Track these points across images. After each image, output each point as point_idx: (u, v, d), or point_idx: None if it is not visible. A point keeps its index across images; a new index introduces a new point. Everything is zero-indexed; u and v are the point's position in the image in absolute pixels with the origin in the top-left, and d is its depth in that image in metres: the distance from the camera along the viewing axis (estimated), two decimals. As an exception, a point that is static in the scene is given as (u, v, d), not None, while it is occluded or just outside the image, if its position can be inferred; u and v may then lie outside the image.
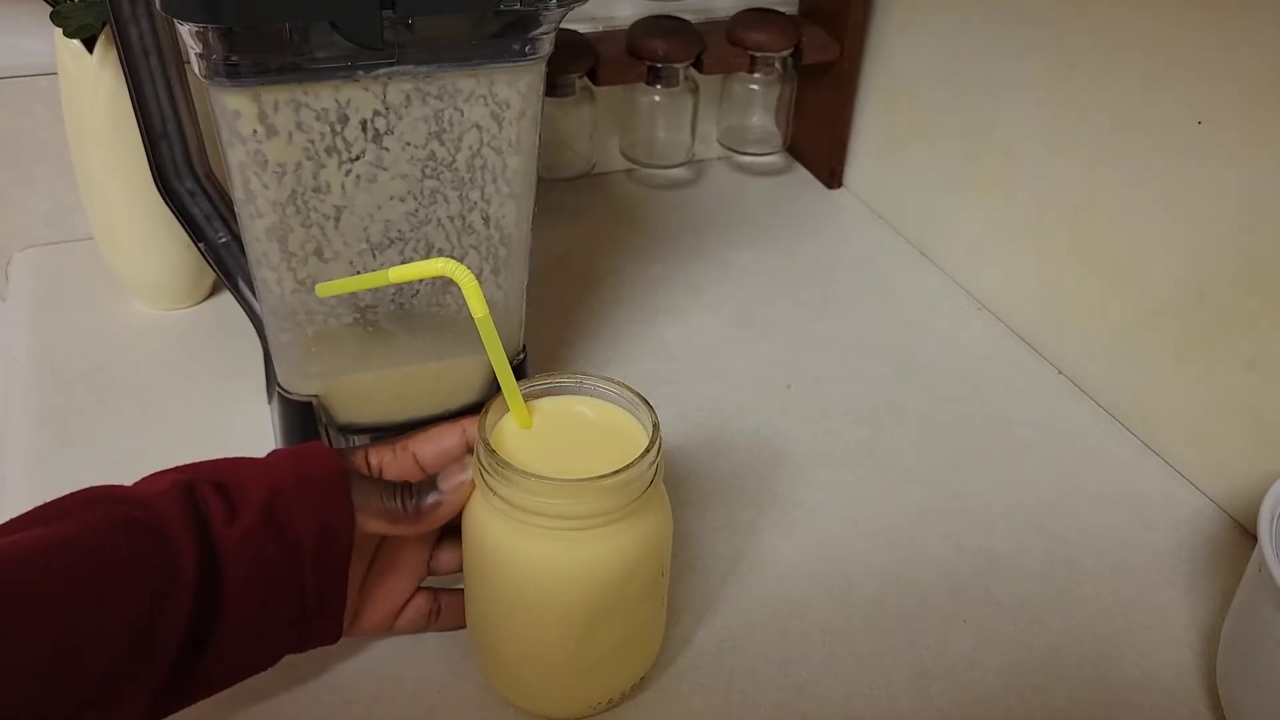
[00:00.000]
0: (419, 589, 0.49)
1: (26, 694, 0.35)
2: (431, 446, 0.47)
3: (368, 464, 0.46)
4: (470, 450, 0.47)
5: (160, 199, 0.56)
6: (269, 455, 0.44)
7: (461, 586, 0.49)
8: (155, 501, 0.39)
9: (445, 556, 0.49)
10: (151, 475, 0.42)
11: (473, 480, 0.44)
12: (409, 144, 0.46)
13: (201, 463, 0.43)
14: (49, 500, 0.40)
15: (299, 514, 0.41)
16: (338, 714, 0.47)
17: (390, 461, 0.46)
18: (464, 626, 0.49)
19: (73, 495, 0.40)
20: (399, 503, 0.44)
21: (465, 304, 0.42)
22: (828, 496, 0.60)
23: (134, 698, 0.38)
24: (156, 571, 0.38)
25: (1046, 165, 0.69)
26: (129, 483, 0.42)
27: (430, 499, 0.44)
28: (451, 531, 0.48)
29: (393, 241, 0.49)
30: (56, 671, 0.35)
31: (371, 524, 0.43)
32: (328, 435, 0.55)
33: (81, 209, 0.70)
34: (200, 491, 0.41)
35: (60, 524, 0.38)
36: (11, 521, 0.39)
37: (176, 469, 0.42)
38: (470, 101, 0.46)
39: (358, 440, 0.55)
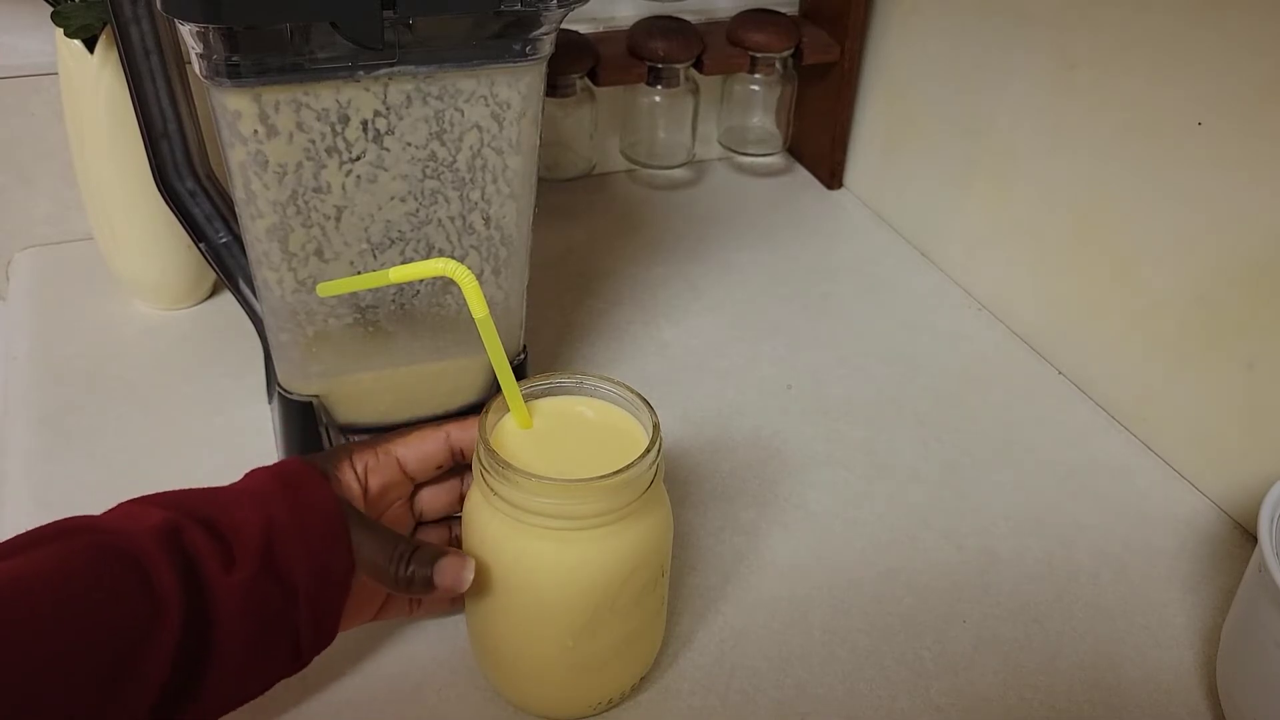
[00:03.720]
0: None
1: None
2: (414, 452, 0.46)
3: (353, 470, 0.45)
4: (454, 456, 0.47)
5: (160, 199, 0.56)
6: (253, 480, 0.42)
7: None
8: (137, 537, 0.38)
9: None
10: (130, 504, 0.41)
11: (468, 581, 0.43)
12: (409, 144, 0.46)
13: (183, 494, 0.41)
14: (19, 533, 0.39)
15: (298, 560, 0.40)
16: (338, 714, 0.47)
17: (375, 466, 0.45)
18: (446, 612, 0.50)
19: (47, 526, 0.39)
20: (393, 568, 0.42)
21: (466, 304, 0.42)
22: (828, 496, 0.60)
23: None
24: (137, 606, 0.37)
25: (1047, 166, 0.69)
26: (126, 484, 0.41)
27: (421, 580, 0.42)
28: (426, 526, 0.49)
29: (393, 242, 0.49)
30: (30, 709, 0.34)
31: (359, 572, 0.42)
32: (328, 435, 0.55)
33: (81, 209, 0.70)
34: (188, 536, 0.39)
35: (33, 553, 0.37)
36: None
37: (157, 500, 0.41)
38: (471, 102, 0.46)
39: (355, 440, 0.55)
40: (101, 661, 0.36)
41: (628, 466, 0.41)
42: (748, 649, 0.51)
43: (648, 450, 0.42)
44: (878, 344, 0.73)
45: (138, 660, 0.36)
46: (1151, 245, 0.62)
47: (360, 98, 0.44)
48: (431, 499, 0.49)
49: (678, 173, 0.92)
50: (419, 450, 0.46)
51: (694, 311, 0.75)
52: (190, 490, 0.42)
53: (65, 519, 0.40)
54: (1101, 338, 0.67)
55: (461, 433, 0.47)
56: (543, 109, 0.49)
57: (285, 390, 0.54)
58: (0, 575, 0.36)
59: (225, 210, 0.57)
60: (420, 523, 0.49)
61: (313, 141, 0.45)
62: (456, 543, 0.50)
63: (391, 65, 0.44)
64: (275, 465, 0.43)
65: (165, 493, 0.42)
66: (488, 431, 0.43)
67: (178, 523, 0.39)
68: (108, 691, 0.36)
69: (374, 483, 0.45)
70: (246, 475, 0.43)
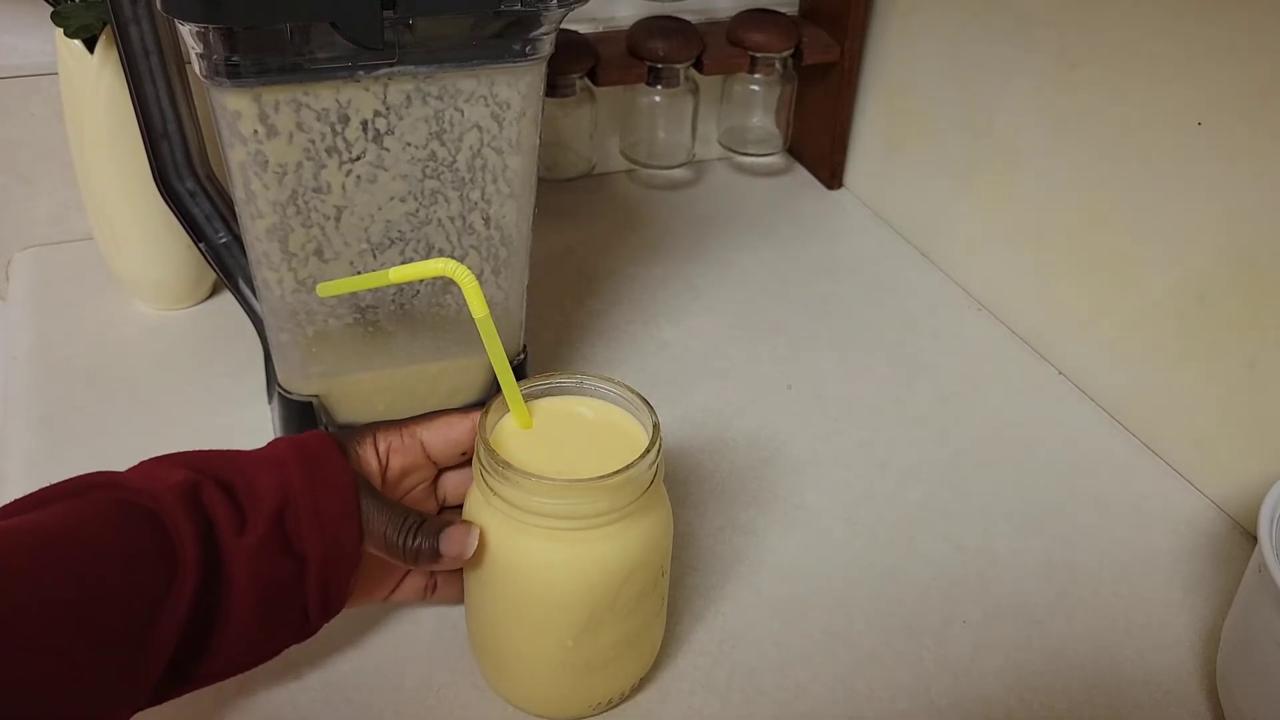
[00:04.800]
0: None
1: (23, 681, 0.34)
2: (440, 437, 0.47)
3: (375, 449, 0.45)
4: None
5: (160, 199, 0.56)
6: (274, 449, 0.43)
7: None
8: (159, 495, 0.39)
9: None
10: (152, 462, 0.42)
11: (472, 548, 0.43)
12: (409, 144, 0.46)
13: (205, 455, 0.42)
14: (44, 486, 0.40)
15: (309, 530, 0.41)
16: (337, 713, 0.47)
17: (398, 447, 0.46)
18: (456, 601, 0.50)
19: (69, 481, 0.40)
20: (400, 540, 0.43)
21: (465, 304, 0.42)
22: (828, 496, 0.60)
23: (130, 691, 0.38)
24: (156, 560, 0.38)
25: (1047, 165, 0.69)
26: None
27: (428, 550, 0.43)
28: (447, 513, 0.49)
29: (393, 242, 0.49)
30: (51, 659, 0.35)
31: (369, 546, 0.43)
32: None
33: (81, 209, 0.70)
34: (206, 494, 0.40)
35: (55, 507, 0.38)
36: (6, 506, 0.39)
37: (179, 459, 0.42)
38: (471, 102, 0.46)
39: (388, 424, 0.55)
40: (124, 615, 0.37)
41: (628, 466, 0.41)
42: (748, 649, 0.51)
43: (648, 450, 0.42)
44: (878, 344, 0.73)
45: (157, 615, 0.37)
46: (1152, 245, 0.62)
47: (360, 98, 0.44)
48: (456, 485, 0.49)
49: (678, 173, 0.92)
50: (444, 435, 0.47)
51: (694, 311, 0.75)
52: (211, 451, 0.43)
53: (87, 474, 0.40)
54: (1101, 338, 0.67)
55: None
56: (543, 109, 0.49)
57: (285, 390, 0.54)
58: (25, 528, 0.37)
59: (225, 210, 0.57)
60: (444, 508, 0.50)
61: (313, 141, 0.45)
62: None
63: (391, 65, 0.44)
64: (297, 436, 0.44)
65: (186, 452, 0.42)
66: (488, 431, 0.43)
67: (197, 481, 0.40)
68: (130, 643, 0.37)
69: (395, 463, 0.46)
70: (269, 444, 0.44)
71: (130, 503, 0.39)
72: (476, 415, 0.47)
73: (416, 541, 0.43)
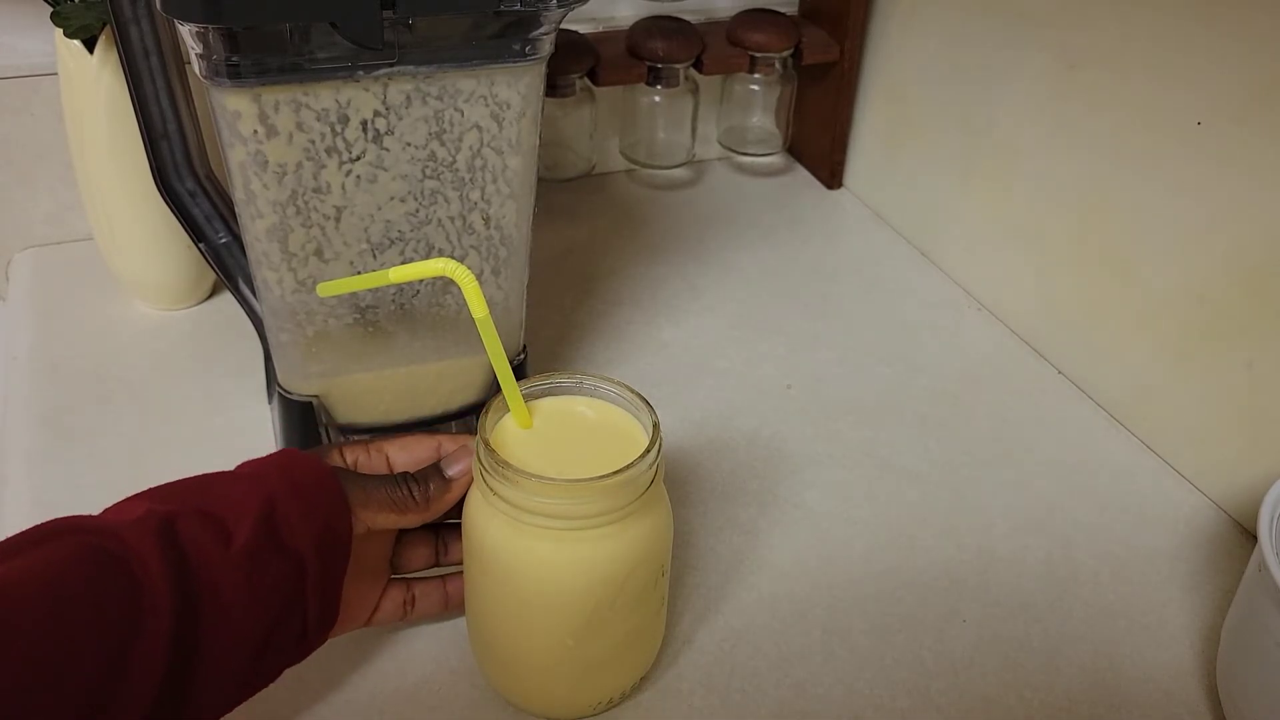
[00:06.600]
0: (390, 582, 0.49)
1: None
2: (406, 455, 0.47)
3: (344, 460, 0.45)
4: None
5: (160, 199, 0.56)
6: (247, 465, 0.43)
7: (432, 577, 0.50)
8: (123, 531, 0.38)
9: (408, 554, 0.49)
10: (121, 502, 0.41)
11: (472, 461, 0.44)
12: (409, 144, 0.46)
13: (177, 487, 0.41)
14: (11, 535, 0.38)
15: (298, 522, 0.40)
16: (338, 714, 0.47)
17: (364, 461, 0.46)
18: (437, 618, 0.50)
19: (36, 528, 0.38)
20: (406, 491, 0.44)
21: (465, 304, 0.42)
22: (828, 496, 0.60)
23: None
24: (122, 606, 0.36)
25: (1047, 165, 0.69)
26: (126, 484, 0.41)
27: (437, 485, 0.44)
28: (411, 530, 0.49)
29: (393, 242, 0.49)
30: (15, 715, 0.33)
31: (380, 518, 0.43)
32: (327, 435, 0.55)
33: (81, 209, 0.70)
34: (182, 526, 0.39)
35: (18, 559, 0.36)
36: None
37: (150, 495, 0.41)
38: (470, 102, 0.46)
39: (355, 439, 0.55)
40: (91, 664, 0.35)
41: (628, 466, 0.41)
42: (748, 649, 0.51)
43: (648, 450, 0.42)
44: (878, 344, 0.73)
45: (125, 662, 0.36)
46: (1151, 245, 0.62)
47: (360, 98, 0.44)
48: (411, 554, 0.49)
49: (678, 173, 0.92)
50: (411, 454, 0.47)
51: (694, 311, 0.75)
52: (182, 481, 0.42)
53: (53, 520, 0.39)
54: (1101, 338, 0.67)
55: (452, 444, 0.47)
56: (543, 109, 0.49)
57: (285, 390, 0.54)
58: None
59: (225, 210, 0.58)
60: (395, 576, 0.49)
61: (312, 141, 0.45)
62: (444, 559, 0.50)
63: (391, 65, 0.44)
64: (267, 455, 0.44)
65: (157, 487, 0.42)
66: (488, 431, 0.43)
67: (166, 513, 0.39)
68: (98, 694, 0.35)
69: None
70: (240, 465, 0.44)
71: (95, 547, 0.37)
72: (440, 438, 0.47)
73: (421, 485, 0.44)
